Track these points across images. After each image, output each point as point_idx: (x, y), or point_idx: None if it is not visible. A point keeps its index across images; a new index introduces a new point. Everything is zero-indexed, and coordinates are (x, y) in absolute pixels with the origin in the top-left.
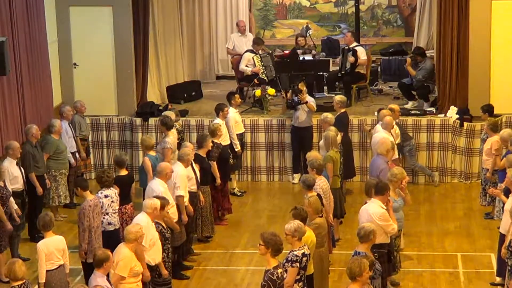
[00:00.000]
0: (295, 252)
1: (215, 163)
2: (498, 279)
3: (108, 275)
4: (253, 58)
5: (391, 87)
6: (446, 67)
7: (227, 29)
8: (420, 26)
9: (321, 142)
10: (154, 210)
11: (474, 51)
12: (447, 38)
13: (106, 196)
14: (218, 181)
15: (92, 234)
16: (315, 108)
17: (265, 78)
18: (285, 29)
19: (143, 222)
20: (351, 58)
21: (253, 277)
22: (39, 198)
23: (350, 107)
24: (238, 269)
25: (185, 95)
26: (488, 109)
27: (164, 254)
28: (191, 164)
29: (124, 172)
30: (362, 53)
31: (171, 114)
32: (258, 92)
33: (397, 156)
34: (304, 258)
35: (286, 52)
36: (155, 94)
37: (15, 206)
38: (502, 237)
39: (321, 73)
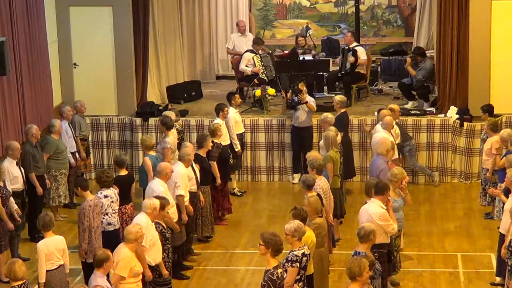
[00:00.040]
0: (295, 252)
1: (215, 163)
2: (498, 279)
3: (108, 275)
4: (253, 58)
5: (391, 87)
6: (446, 67)
7: (227, 29)
8: (420, 26)
9: (321, 142)
10: (153, 210)
11: (474, 51)
12: (447, 38)
13: (105, 196)
14: (219, 181)
15: (92, 234)
16: (315, 108)
17: (265, 78)
18: (285, 29)
19: (142, 222)
20: (351, 58)
21: (253, 277)
22: (39, 198)
23: (350, 107)
24: (238, 269)
25: (185, 95)
26: (488, 109)
27: (164, 254)
28: (191, 164)
29: (124, 172)
30: (362, 53)
31: (171, 114)
32: (258, 92)
33: (397, 156)
34: (304, 258)
35: (286, 52)
36: (155, 94)
37: (15, 206)
38: (502, 237)
39: (321, 73)
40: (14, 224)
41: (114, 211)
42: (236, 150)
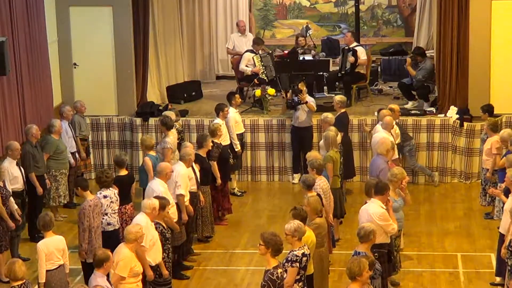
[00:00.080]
0: (295, 252)
1: (215, 163)
2: (498, 279)
3: (108, 275)
4: (253, 58)
5: (391, 87)
6: (446, 67)
7: (227, 29)
8: (420, 26)
9: (321, 142)
10: (152, 210)
11: (474, 51)
12: (447, 38)
13: (105, 197)
14: (219, 181)
15: (92, 234)
16: (315, 108)
17: (265, 78)
18: (285, 29)
19: (142, 223)
20: (351, 58)
21: (253, 277)
22: (39, 198)
23: (350, 107)
24: (238, 269)
25: (185, 95)
26: (488, 109)
27: (164, 254)
28: (191, 164)
29: (124, 172)
30: (362, 53)
31: (171, 114)
32: (258, 92)
33: (397, 156)
34: (304, 258)
35: (286, 52)
36: (155, 94)
37: (15, 206)
38: (502, 237)
39: (321, 73)
40: (14, 224)
41: (113, 211)
42: (236, 150)
